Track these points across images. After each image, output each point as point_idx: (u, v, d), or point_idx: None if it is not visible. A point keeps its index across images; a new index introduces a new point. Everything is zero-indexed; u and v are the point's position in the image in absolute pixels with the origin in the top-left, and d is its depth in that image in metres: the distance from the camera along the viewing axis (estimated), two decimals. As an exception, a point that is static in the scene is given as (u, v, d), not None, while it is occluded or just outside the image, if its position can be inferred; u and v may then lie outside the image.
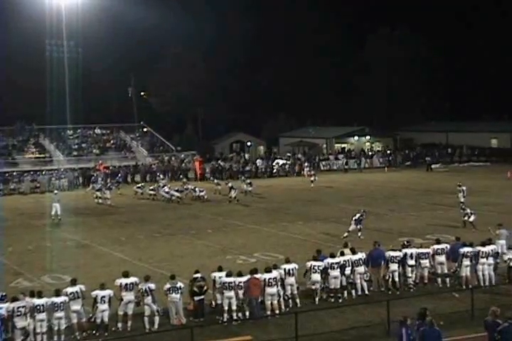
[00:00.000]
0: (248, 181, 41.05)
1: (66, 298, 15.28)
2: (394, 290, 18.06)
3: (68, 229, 29.63)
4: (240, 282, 16.31)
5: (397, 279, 18.21)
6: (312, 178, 44.81)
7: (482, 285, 18.06)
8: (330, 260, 17.59)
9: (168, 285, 16.09)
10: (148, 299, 15.84)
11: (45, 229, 29.87)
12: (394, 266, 18.15)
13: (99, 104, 69.25)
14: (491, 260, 18.45)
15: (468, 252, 18.31)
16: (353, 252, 18.16)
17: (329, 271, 17.46)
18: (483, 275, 18.32)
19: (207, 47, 70.75)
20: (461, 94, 74.64)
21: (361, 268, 17.90)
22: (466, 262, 18.27)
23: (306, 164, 53.53)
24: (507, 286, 18.03)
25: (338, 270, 17.52)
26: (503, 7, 71.41)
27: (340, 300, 17.38)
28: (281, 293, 16.89)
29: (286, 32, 75.06)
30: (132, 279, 16.11)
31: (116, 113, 69.22)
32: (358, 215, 25.87)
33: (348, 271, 17.78)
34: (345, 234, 25.19)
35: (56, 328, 15.08)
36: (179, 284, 16.20)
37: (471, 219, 26.77)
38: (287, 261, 17.47)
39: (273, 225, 29.20)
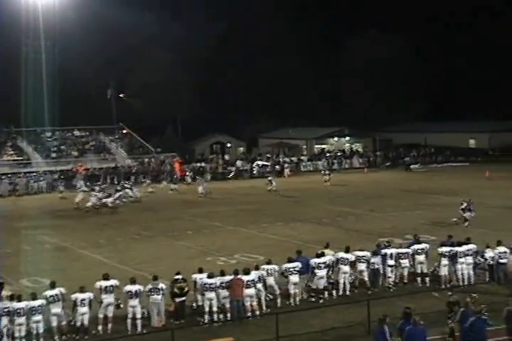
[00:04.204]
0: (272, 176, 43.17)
1: (44, 301, 15.13)
2: (365, 290, 18.08)
3: (47, 232, 29.35)
4: (222, 282, 16.28)
5: (366, 279, 18.21)
6: (327, 177, 44.90)
7: (461, 285, 18.20)
8: (316, 260, 17.59)
9: (149, 286, 16.01)
10: (135, 301, 15.76)
11: (24, 232, 29.55)
12: (362, 266, 18.17)
13: (77, 105, 68.64)
14: (469, 259, 18.59)
15: (445, 252, 18.48)
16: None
17: (316, 271, 17.45)
18: (462, 274, 18.47)
19: (186, 48, 70.48)
20: (440, 95, 75.17)
21: (346, 268, 17.90)
22: (444, 261, 18.44)
23: (286, 165, 53.69)
24: (486, 285, 18.18)
25: (325, 270, 17.54)
26: (488, 8, 72.16)
27: (321, 301, 17.42)
28: (263, 294, 16.90)
29: (268, 33, 75.06)
30: (112, 282, 16.00)
31: (95, 115, 68.62)
32: (464, 204, 26.16)
33: (331, 270, 17.83)
34: (455, 219, 26.28)
35: (35, 332, 14.91)
36: (161, 285, 16.12)
37: (467, 214, 26.90)
38: (268, 263, 17.47)
39: (253, 226, 29.17)
